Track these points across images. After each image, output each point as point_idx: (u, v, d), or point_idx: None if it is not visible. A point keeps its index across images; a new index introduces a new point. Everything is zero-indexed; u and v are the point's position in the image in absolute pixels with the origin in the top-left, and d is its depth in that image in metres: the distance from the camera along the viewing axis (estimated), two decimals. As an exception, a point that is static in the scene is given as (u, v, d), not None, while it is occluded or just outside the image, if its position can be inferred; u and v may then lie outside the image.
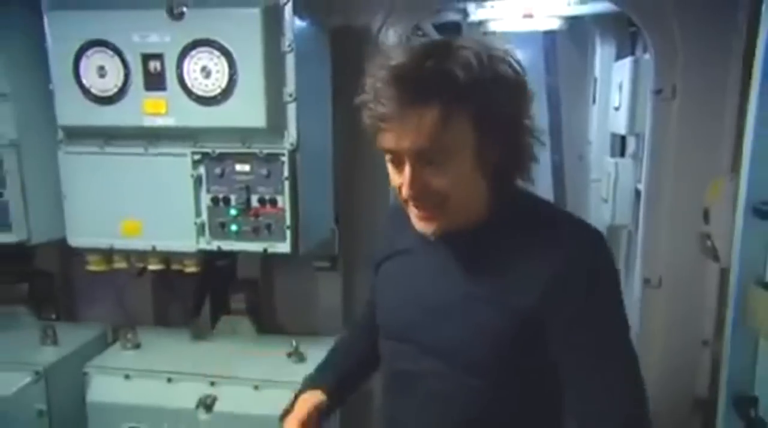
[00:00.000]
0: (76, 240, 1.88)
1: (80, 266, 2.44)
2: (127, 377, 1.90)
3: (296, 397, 1.25)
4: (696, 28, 1.94)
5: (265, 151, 1.72)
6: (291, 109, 1.71)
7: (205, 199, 1.78)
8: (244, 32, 1.62)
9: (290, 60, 1.68)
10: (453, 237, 1.01)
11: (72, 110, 1.74)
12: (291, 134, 1.73)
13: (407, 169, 0.92)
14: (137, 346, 2.06)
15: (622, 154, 3.50)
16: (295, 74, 1.69)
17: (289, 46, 1.67)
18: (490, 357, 0.97)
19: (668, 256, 2.12)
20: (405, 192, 0.94)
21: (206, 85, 1.66)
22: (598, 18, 3.70)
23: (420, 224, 0.99)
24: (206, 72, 1.64)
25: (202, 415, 1.83)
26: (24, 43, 1.81)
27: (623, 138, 3.46)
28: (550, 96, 4.72)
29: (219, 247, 1.80)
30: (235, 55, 1.63)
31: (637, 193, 3.30)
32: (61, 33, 1.70)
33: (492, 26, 3.82)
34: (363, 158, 2.09)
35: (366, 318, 1.29)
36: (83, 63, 1.69)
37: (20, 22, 1.81)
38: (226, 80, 1.65)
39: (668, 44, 1.98)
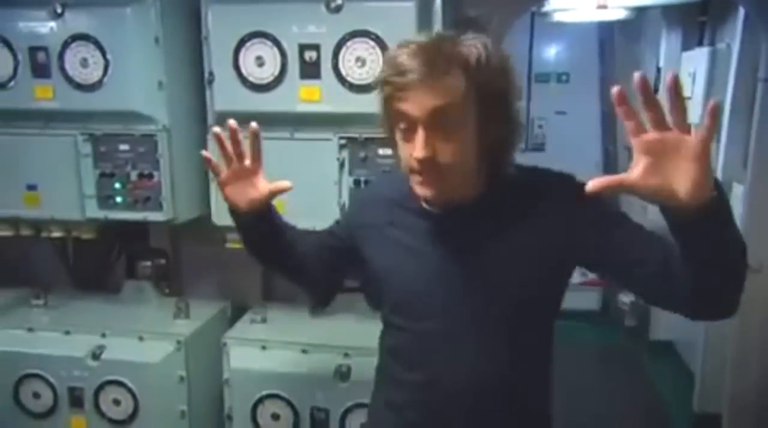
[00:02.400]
0: (221, 219, 1.99)
1: (187, 246, 2.60)
2: (263, 348, 2.04)
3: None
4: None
5: (408, 136, 1.83)
6: (433, 96, 1.81)
7: (348, 181, 1.90)
8: (399, 24, 1.71)
9: (435, 50, 1.79)
10: (455, 211, 1.14)
11: (229, 97, 1.85)
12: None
13: (420, 133, 1.03)
14: (264, 320, 2.20)
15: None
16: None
17: (436, 36, 1.78)
18: (535, 304, 1.16)
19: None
20: (417, 153, 1.04)
21: (360, 74, 1.77)
22: (665, 8, 3.74)
23: (420, 189, 1.10)
24: (361, 61, 1.75)
25: (339, 383, 1.97)
26: (180, 35, 1.92)
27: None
28: (603, 87, 4.80)
29: (359, 226, 1.92)
30: (390, 45, 1.73)
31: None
32: (223, 25, 1.80)
33: (557, 17, 3.90)
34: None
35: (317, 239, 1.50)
36: (242, 53, 1.80)
37: (179, 15, 1.91)
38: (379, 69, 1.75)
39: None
